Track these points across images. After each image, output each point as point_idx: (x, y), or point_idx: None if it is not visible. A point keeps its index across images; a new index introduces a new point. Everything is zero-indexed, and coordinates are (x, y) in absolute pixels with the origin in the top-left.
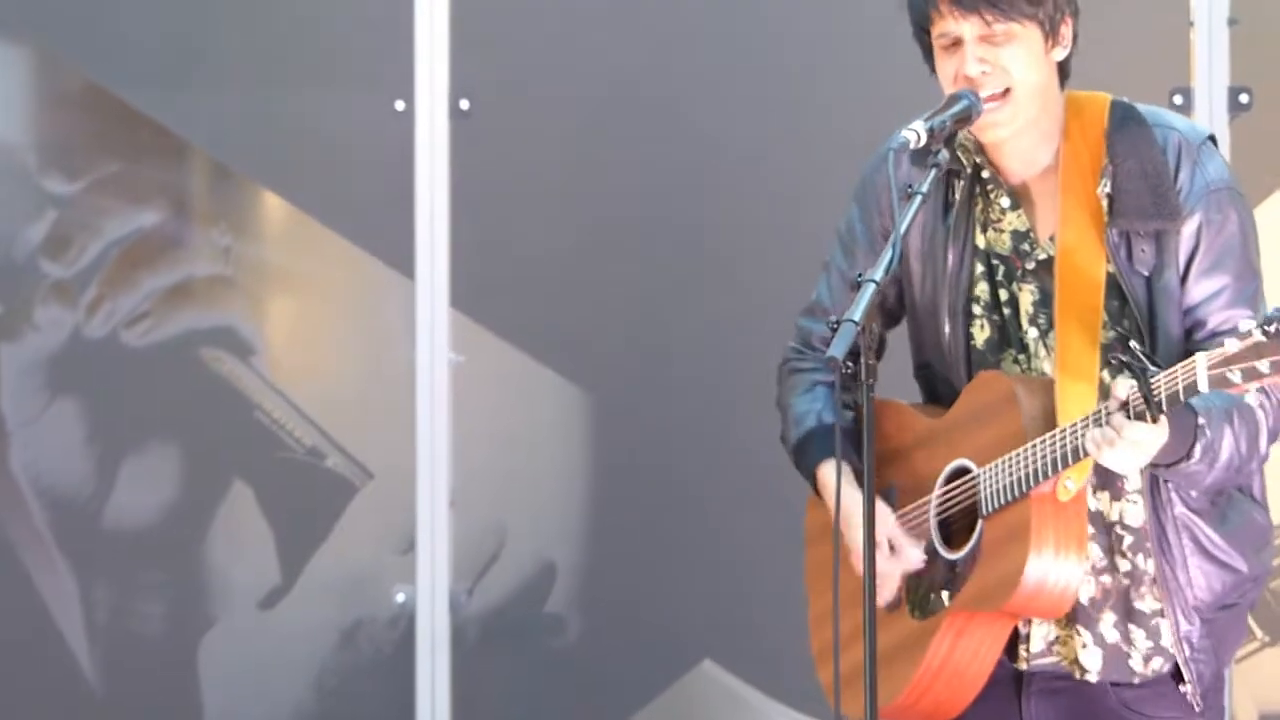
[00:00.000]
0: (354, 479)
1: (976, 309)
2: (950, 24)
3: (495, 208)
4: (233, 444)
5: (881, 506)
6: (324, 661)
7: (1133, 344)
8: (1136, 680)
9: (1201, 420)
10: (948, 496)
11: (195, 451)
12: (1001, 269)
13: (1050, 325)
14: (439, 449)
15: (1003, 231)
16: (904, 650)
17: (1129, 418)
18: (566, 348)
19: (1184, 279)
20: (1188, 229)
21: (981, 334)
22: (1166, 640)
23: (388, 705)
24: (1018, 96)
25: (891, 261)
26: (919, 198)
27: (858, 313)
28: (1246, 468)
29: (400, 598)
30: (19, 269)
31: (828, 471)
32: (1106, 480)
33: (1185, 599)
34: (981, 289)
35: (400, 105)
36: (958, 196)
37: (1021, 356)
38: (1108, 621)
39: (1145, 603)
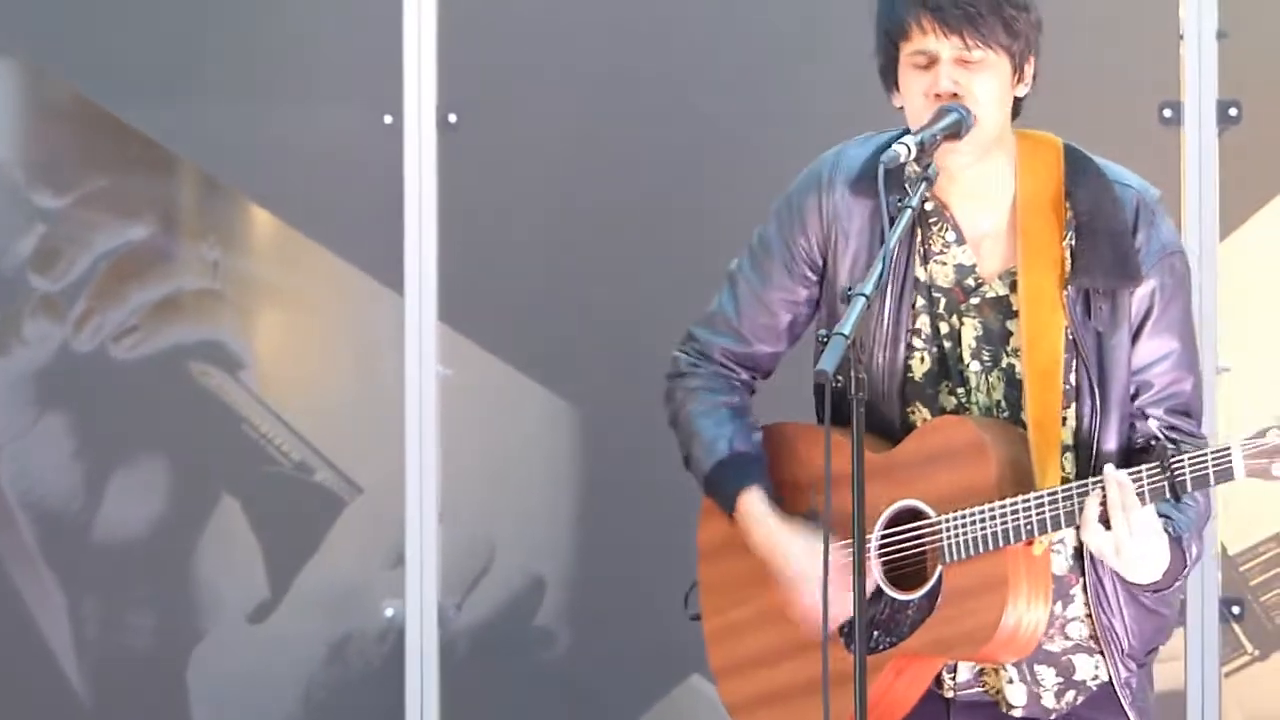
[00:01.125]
0: (342, 493)
1: (917, 342)
2: (929, 41)
3: (483, 221)
4: (221, 458)
5: (810, 541)
6: (313, 675)
7: (1152, 422)
8: (1054, 716)
9: (1189, 558)
10: (898, 537)
11: (184, 465)
12: (943, 301)
13: (994, 362)
14: (427, 463)
15: (945, 264)
16: (842, 684)
17: (1143, 500)
18: (555, 362)
19: (1137, 339)
20: (1142, 290)
21: (921, 366)
22: (1082, 674)
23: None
24: (982, 125)
25: (882, 275)
26: (908, 212)
27: (848, 326)
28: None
29: (389, 612)
30: (7, 283)
31: (749, 500)
32: None
33: (1123, 647)
34: (922, 322)
35: (388, 119)
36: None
37: (960, 390)
38: (1020, 661)
39: (1055, 644)
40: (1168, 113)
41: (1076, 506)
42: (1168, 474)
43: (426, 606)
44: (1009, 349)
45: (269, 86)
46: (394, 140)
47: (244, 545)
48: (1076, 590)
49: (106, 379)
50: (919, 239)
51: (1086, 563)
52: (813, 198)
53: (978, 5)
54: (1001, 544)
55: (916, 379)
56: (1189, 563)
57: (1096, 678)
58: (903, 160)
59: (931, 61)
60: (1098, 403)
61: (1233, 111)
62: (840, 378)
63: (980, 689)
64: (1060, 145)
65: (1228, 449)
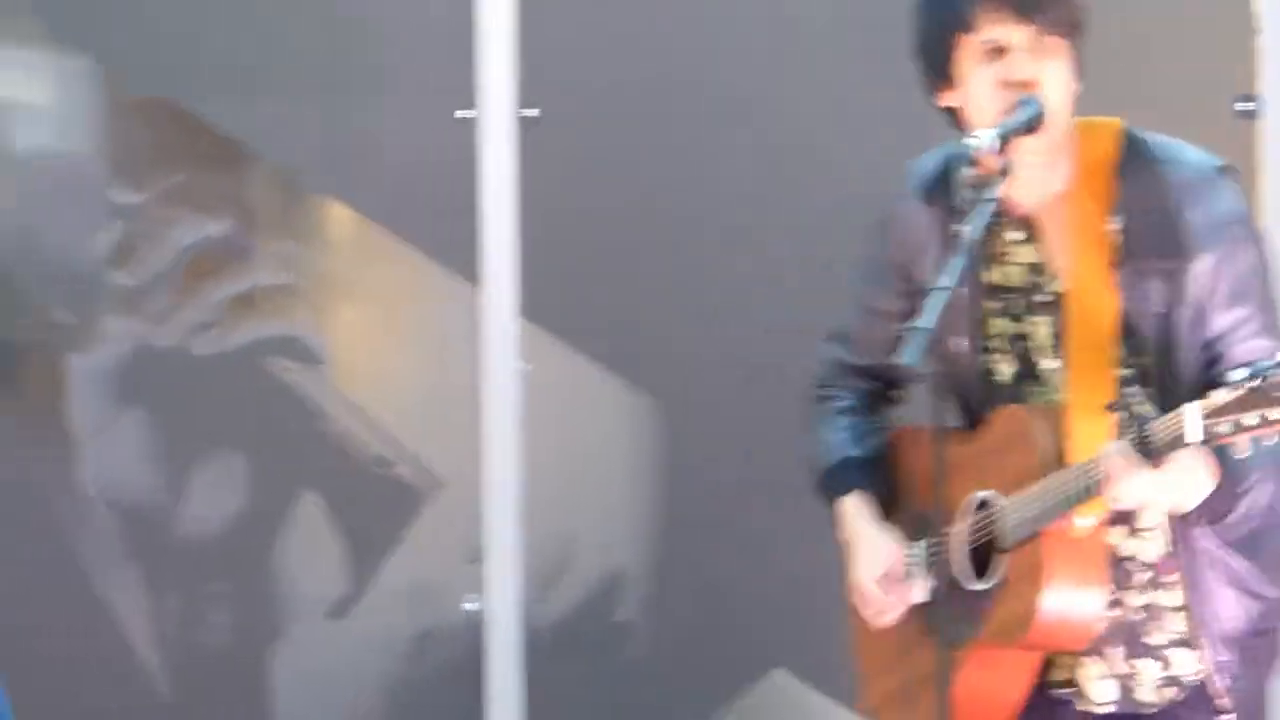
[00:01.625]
0: (423, 487)
1: (996, 343)
2: (1002, 31)
3: (562, 215)
4: (301, 453)
5: (886, 540)
6: (393, 671)
7: (1127, 390)
8: (1152, 711)
9: (1249, 482)
10: (975, 528)
11: (263, 461)
12: (1020, 302)
13: None
14: (508, 457)
15: (1014, 265)
16: (936, 677)
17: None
18: (636, 355)
19: (1205, 314)
20: (1200, 266)
21: (1007, 368)
22: (1181, 669)
23: (457, 715)
24: (1054, 120)
25: (964, 267)
26: (990, 204)
27: (930, 319)
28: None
29: (470, 607)
30: (87, 279)
31: (843, 505)
32: (1121, 515)
33: (1218, 630)
34: (999, 325)
35: (465, 113)
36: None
37: (1039, 388)
38: (1116, 656)
39: (1155, 637)
40: (1242, 105)
41: (1092, 481)
42: (1141, 441)
43: (507, 602)
44: None
45: (345, 81)
46: (471, 134)
47: (324, 541)
48: (1173, 578)
49: (185, 375)
50: (983, 243)
51: (1177, 547)
52: (892, 210)
53: None
54: (1036, 528)
55: (1004, 381)
56: (1243, 479)
57: (1200, 673)
58: (980, 151)
59: (1000, 50)
60: (1165, 383)
61: None
62: (924, 370)
63: (1072, 690)
64: (1119, 128)
65: (1180, 413)
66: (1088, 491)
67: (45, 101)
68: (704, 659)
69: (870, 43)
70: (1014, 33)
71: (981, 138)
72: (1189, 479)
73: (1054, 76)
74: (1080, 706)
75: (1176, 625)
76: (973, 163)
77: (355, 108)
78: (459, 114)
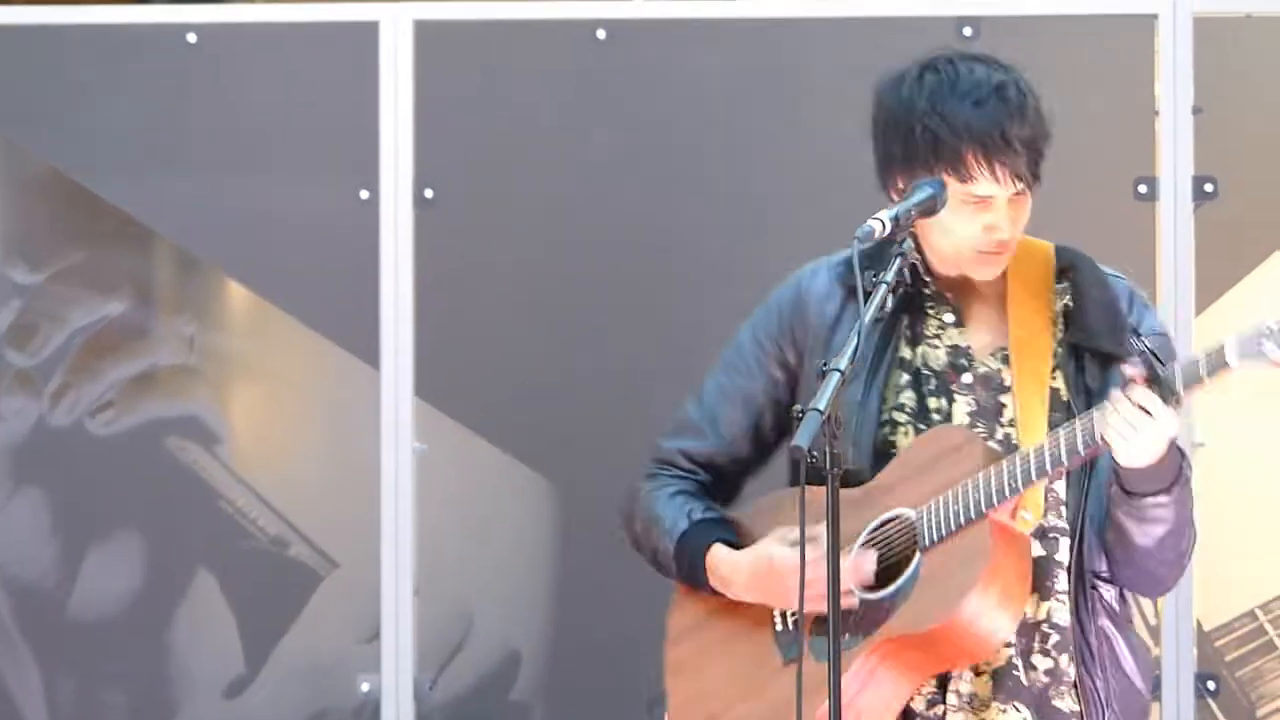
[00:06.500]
0: (318, 568)
1: (901, 417)
2: (994, 187)
3: (460, 296)
4: (197, 533)
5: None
6: None
7: (1144, 340)
8: None
9: (1185, 465)
10: (871, 543)
11: (159, 541)
12: (933, 381)
13: (988, 435)
14: (403, 538)
15: (938, 347)
16: (807, 697)
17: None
18: (531, 437)
19: None
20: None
21: (905, 440)
22: None
23: None
24: (1013, 247)
25: (857, 349)
26: (884, 287)
27: (823, 402)
28: (1177, 557)
29: (365, 687)
30: None
31: (716, 550)
32: (1035, 580)
33: (1101, 712)
34: (908, 397)
35: (365, 194)
36: (888, 309)
37: None
38: (1031, 715)
39: (1065, 702)
40: (1143, 188)
41: (1063, 447)
42: (1158, 381)
43: (402, 681)
44: (1003, 420)
45: (245, 162)
46: (370, 215)
47: (219, 620)
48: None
49: (82, 454)
50: (905, 322)
51: (1072, 618)
52: (790, 292)
53: (1037, 149)
54: (983, 509)
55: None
56: (1185, 475)
57: None
58: (878, 235)
59: (985, 200)
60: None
61: (1208, 187)
62: (816, 453)
63: None
64: (1051, 244)
65: (1220, 341)
66: (1055, 458)
67: None
68: None
69: (782, 134)
70: (1005, 190)
71: (881, 218)
72: (1165, 429)
73: (1021, 217)
74: None
75: (1076, 700)
76: (870, 245)
77: (256, 188)
78: (363, 194)
